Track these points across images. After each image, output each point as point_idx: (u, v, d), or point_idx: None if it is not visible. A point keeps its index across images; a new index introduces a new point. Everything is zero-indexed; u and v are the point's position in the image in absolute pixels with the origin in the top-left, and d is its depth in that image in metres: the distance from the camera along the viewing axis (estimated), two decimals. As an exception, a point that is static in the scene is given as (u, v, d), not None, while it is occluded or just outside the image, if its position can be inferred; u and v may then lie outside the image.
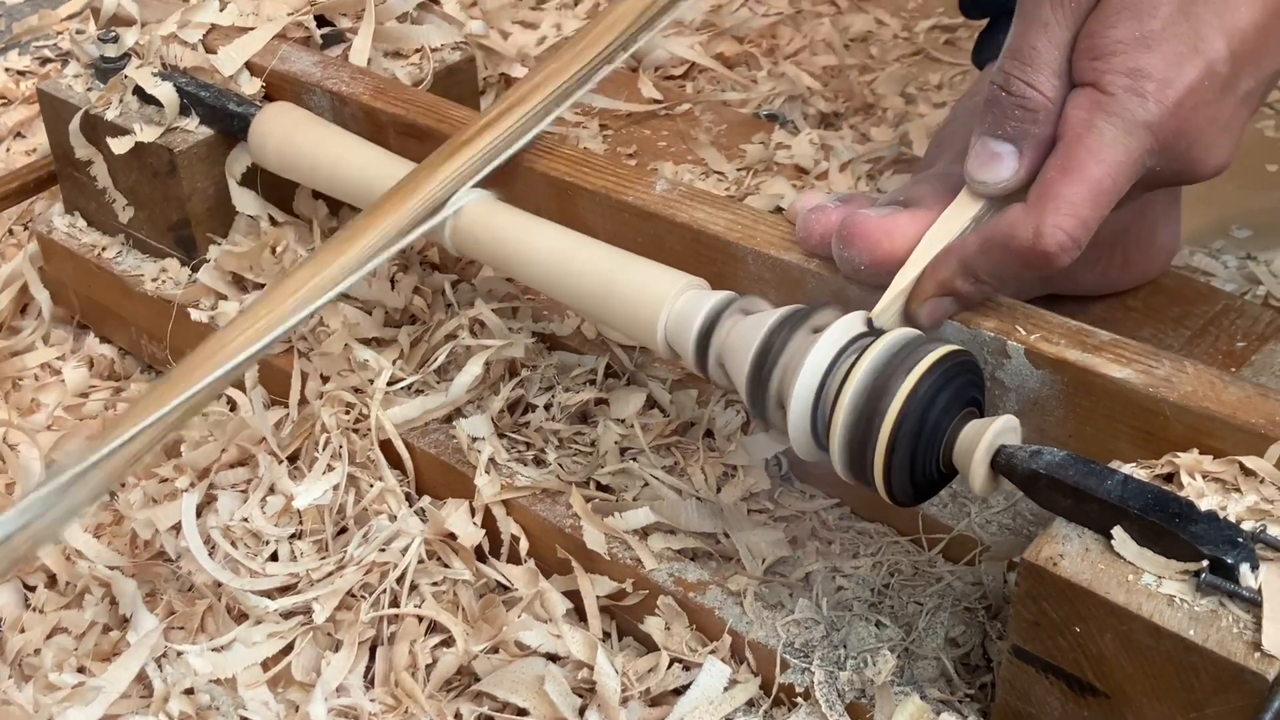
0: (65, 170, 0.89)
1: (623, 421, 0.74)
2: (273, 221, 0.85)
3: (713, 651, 0.63)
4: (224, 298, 0.83)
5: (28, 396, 0.87)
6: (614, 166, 0.75)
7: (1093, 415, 0.61)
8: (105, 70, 0.85)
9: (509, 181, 0.75)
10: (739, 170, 1.00)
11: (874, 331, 0.60)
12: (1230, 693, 0.51)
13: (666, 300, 0.64)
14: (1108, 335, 0.62)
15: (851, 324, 0.60)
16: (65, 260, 0.90)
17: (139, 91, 0.84)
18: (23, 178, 0.93)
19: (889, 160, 1.01)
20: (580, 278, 0.68)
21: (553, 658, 0.65)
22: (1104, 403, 0.60)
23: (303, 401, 0.77)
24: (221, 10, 0.88)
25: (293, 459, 0.75)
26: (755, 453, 0.72)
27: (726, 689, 0.62)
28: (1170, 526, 0.53)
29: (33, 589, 0.73)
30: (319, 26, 0.90)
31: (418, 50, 0.93)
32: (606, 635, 0.67)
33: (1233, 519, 0.54)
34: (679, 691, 0.62)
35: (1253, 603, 0.51)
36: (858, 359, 0.58)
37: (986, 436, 0.56)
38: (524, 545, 0.69)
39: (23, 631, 0.70)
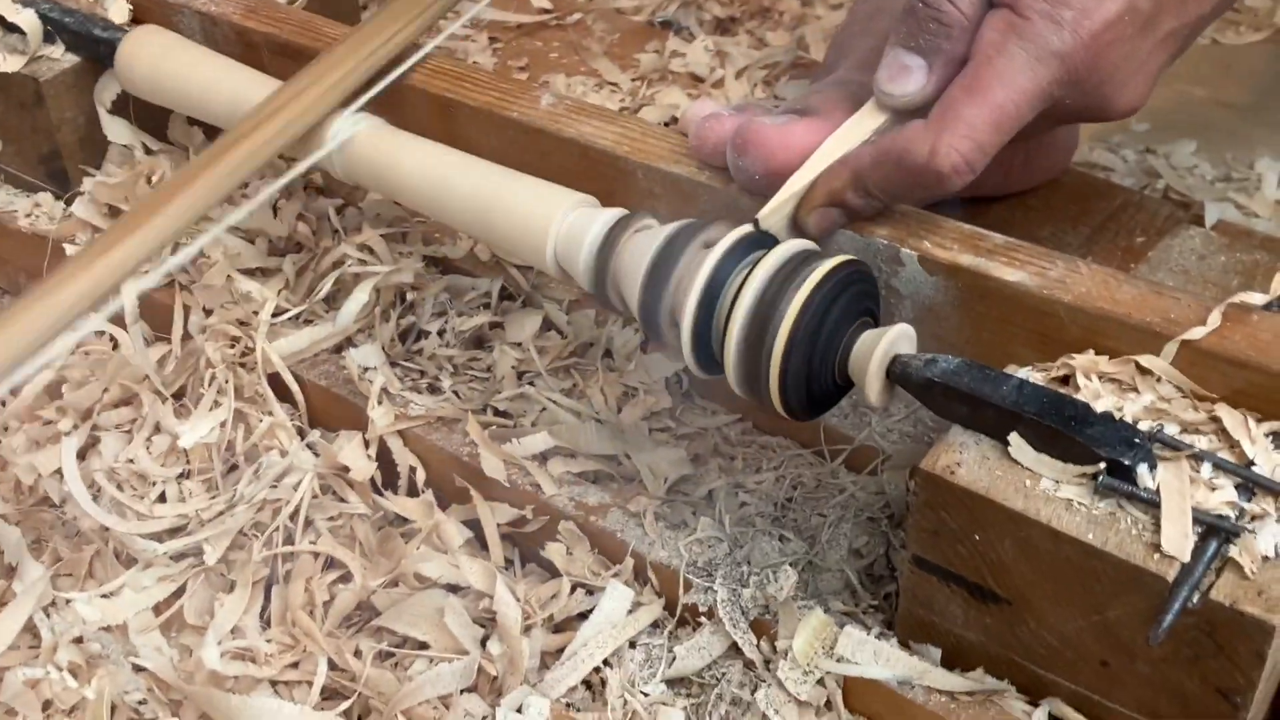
0: (-73, 105, 0.87)
1: (519, 345, 0.75)
2: (147, 150, 0.85)
3: (615, 575, 0.64)
4: (99, 231, 0.81)
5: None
6: (498, 82, 0.74)
7: (988, 320, 0.62)
8: (-38, 0, 0.83)
9: (390, 101, 0.74)
10: (633, 81, 0.99)
11: (766, 244, 0.60)
12: (1131, 595, 0.52)
13: (554, 219, 0.64)
14: (1002, 239, 0.62)
15: (743, 238, 0.60)
16: (-67, 200, 0.88)
17: (0, 20, 0.82)
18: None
19: (786, 65, 1.01)
20: (466, 199, 0.68)
21: (453, 589, 0.65)
22: (998, 307, 0.61)
23: (186, 337, 0.76)
24: (84, -67, 0.86)
25: (178, 396, 0.75)
26: (655, 371, 0.72)
27: (630, 612, 0.63)
28: (1066, 430, 0.54)
29: (-89, 540, 0.72)
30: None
31: (293, -35, 0.91)
32: (509, 563, 0.67)
33: (1129, 420, 0.55)
34: (583, 616, 0.63)
35: (1151, 504, 0.52)
36: (749, 273, 0.58)
37: (881, 346, 0.57)
38: (421, 476, 0.70)
39: (-97, 587, 0.70)
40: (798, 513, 0.66)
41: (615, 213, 0.63)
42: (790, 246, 0.59)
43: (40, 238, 0.81)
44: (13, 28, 0.81)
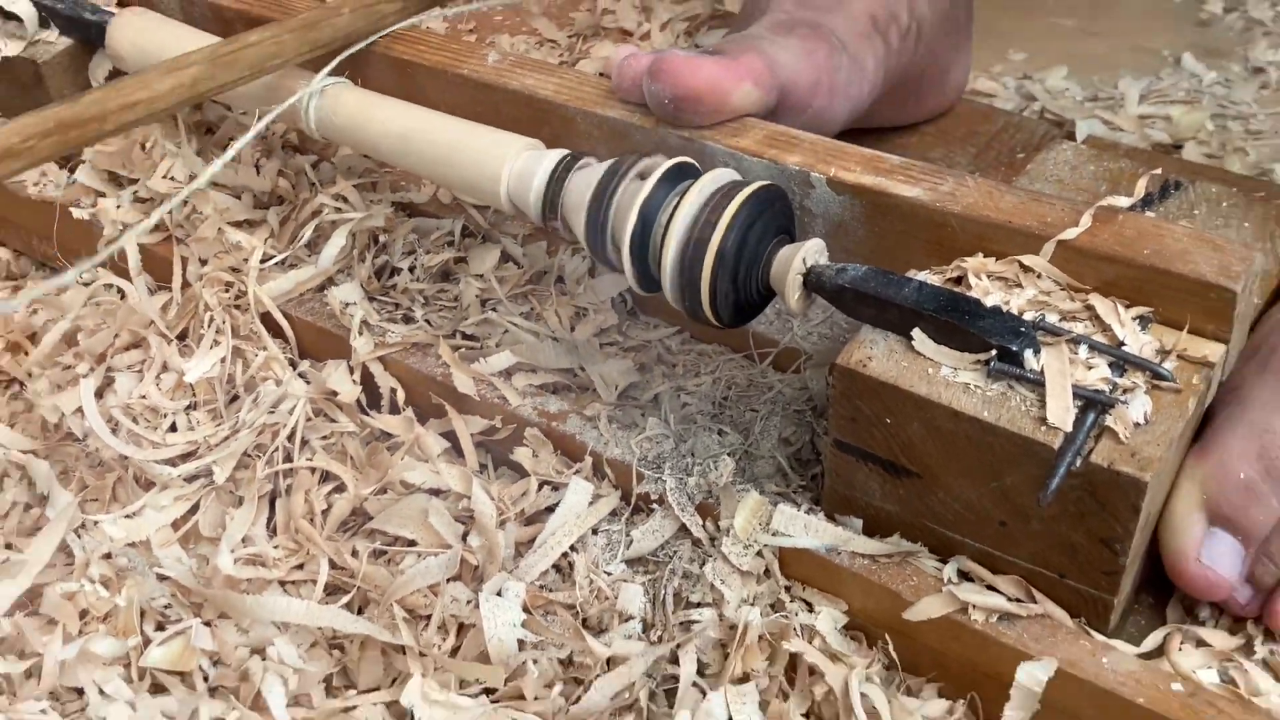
0: (-60, 91, 0.85)
1: (481, 276, 0.73)
2: None
3: (576, 472, 0.63)
4: (102, 194, 0.79)
5: (-66, 298, 0.83)
6: (449, 43, 0.73)
7: (889, 232, 0.60)
8: (-37, -9, 0.80)
9: (355, 64, 0.72)
10: (570, 37, 0.97)
11: (694, 174, 0.59)
12: (1022, 463, 0.51)
13: (506, 162, 0.63)
14: (899, 160, 0.61)
15: (672, 168, 0.58)
16: (-48, 176, 0.85)
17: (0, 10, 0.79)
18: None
19: (705, 17, 0.99)
20: (428, 149, 0.66)
21: (435, 492, 0.64)
22: (898, 220, 0.60)
23: (185, 285, 0.74)
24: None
25: (181, 338, 0.73)
26: (602, 293, 0.71)
27: (591, 503, 0.62)
28: (961, 323, 0.53)
29: (-46, 479, 0.70)
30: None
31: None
32: (483, 467, 0.66)
33: (1015, 311, 0.54)
34: (550, 510, 0.62)
35: (1036, 383, 0.52)
36: (680, 200, 0.57)
37: (797, 259, 0.56)
38: (400, 396, 0.68)
39: (-52, 519, 0.68)
40: (733, 410, 0.65)
41: (559, 153, 0.62)
42: (715, 175, 0.57)
43: (48, 203, 0.79)
44: (11, 15, 0.79)
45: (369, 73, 0.73)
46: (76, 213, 0.78)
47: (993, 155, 0.76)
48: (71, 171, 0.80)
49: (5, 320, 0.77)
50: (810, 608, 0.57)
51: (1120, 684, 0.51)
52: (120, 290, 0.75)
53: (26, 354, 0.75)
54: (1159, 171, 0.72)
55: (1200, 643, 0.54)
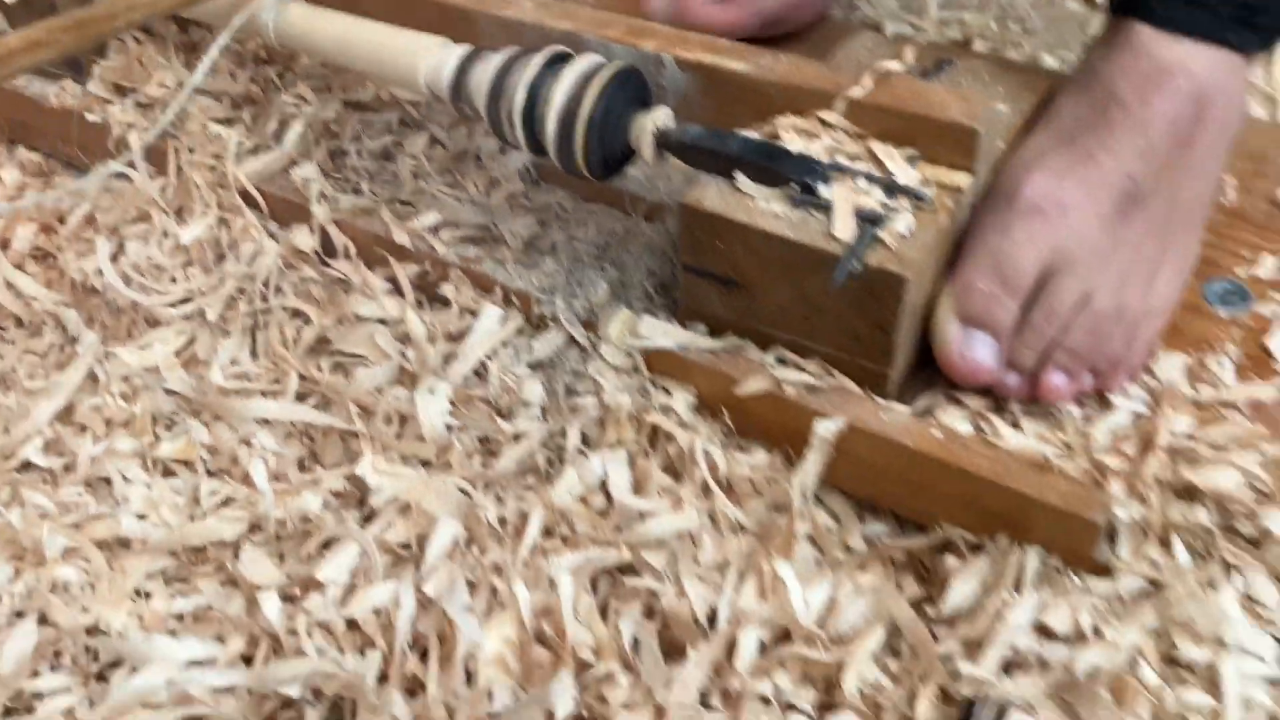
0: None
1: (414, 156, 0.75)
2: (136, 41, 0.83)
3: (490, 301, 0.66)
4: (109, 102, 0.81)
5: (-25, 196, 0.85)
6: None
7: (724, 100, 0.63)
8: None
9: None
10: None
11: (568, 59, 0.61)
12: (818, 269, 0.55)
13: (423, 57, 0.64)
14: (729, 43, 0.63)
15: (551, 55, 0.60)
16: (-10, 92, 0.87)
17: (16, -47, 0.80)
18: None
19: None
20: (360, 51, 0.67)
21: (380, 321, 0.67)
22: (730, 89, 0.62)
23: (179, 170, 0.76)
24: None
25: (178, 212, 0.75)
26: (510, 165, 0.74)
27: (501, 324, 0.65)
28: (773, 165, 0.57)
29: (4, 328, 0.73)
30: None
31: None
32: (419, 302, 0.68)
33: (814, 155, 0.57)
34: (469, 330, 0.65)
35: (828, 209, 0.55)
36: (556, 79, 0.59)
37: (650, 122, 0.59)
38: (352, 250, 0.70)
39: (2, 359, 0.71)
40: (613, 253, 0.67)
41: (464, 48, 0.64)
42: (585, 58, 0.60)
43: (68, 110, 0.81)
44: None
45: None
46: (90, 116, 0.80)
47: (820, 51, 0.78)
48: (83, 85, 0.83)
49: (39, 209, 0.80)
50: (668, 393, 0.61)
51: (894, 433, 0.56)
52: (129, 178, 0.77)
53: (57, 232, 0.78)
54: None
55: (960, 404, 0.60)
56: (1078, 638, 0.51)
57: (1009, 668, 0.51)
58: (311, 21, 0.69)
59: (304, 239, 0.71)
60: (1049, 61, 0.84)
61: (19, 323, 0.73)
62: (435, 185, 0.73)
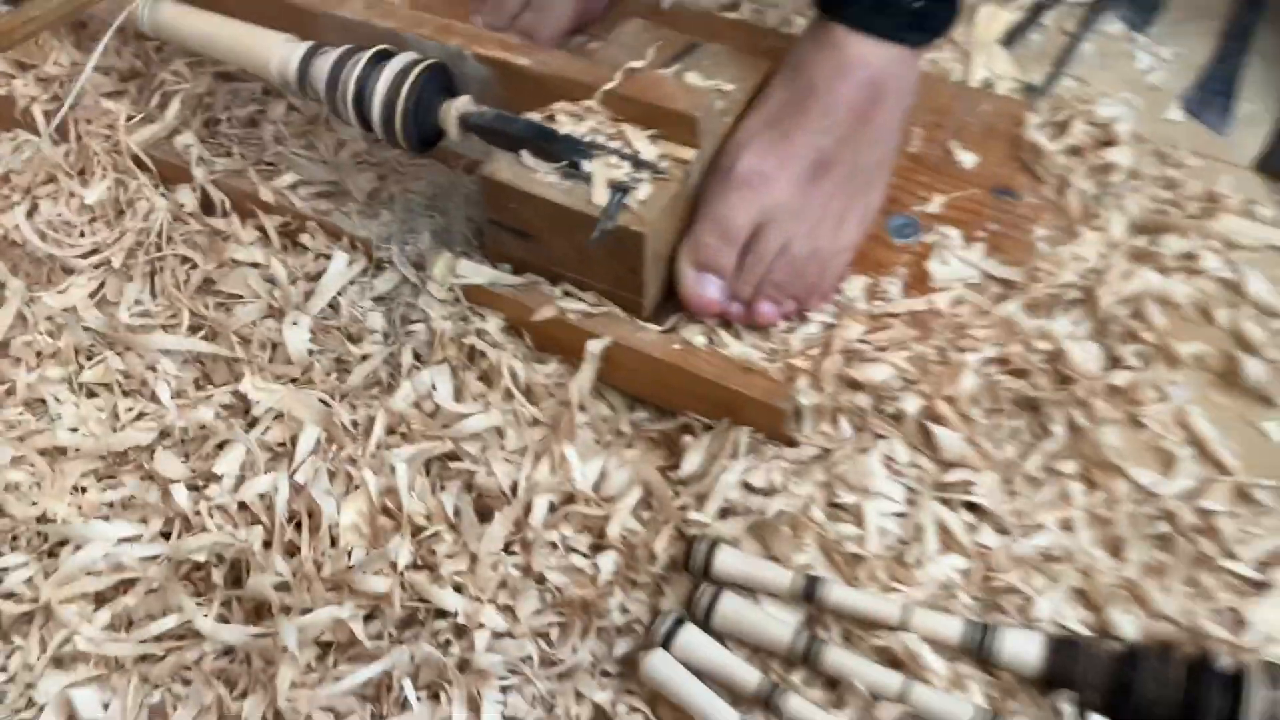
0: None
1: (275, 123, 0.79)
2: None
3: (340, 247, 0.72)
4: (12, 77, 0.83)
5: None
6: None
7: (518, 90, 0.67)
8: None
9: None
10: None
11: (391, 55, 0.66)
12: (583, 226, 0.63)
13: (273, 52, 0.69)
14: (519, 41, 0.69)
15: (376, 52, 0.66)
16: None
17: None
18: None
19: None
20: (221, 45, 0.72)
21: (254, 265, 0.73)
22: (519, 81, 0.67)
23: (79, 138, 0.79)
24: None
25: (81, 174, 0.79)
26: (351, 132, 0.79)
27: (349, 265, 0.71)
28: (549, 144, 0.64)
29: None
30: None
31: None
32: (284, 248, 0.74)
33: (579, 135, 0.64)
34: (323, 271, 0.71)
35: (588, 179, 0.63)
36: (379, 73, 0.65)
37: (453, 108, 0.66)
38: (228, 204, 0.75)
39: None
40: (440, 204, 0.72)
41: (308, 45, 0.68)
42: (402, 56, 0.65)
43: None
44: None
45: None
46: (-3, 91, 0.82)
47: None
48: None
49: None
50: (482, 319, 0.69)
51: (646, 347, 0.66)
52: (37, 146, 0.80)
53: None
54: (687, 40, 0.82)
55: (700, 322, 0.71)
56: (770, 491, 0.63)
57: (724, 513, 0.63)
58: (178, 20, 0.73)
59: (187, 197, 0.76)
60: (798, 24, 0.91)
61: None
62: (292, 147, 0.77)
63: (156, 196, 0.76)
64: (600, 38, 0.84)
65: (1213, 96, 0.86)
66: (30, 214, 0.77)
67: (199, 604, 0.62)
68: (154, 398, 0.69)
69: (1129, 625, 0.58)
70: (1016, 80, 0.87)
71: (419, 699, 0.58)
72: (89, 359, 0.72)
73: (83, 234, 0.76)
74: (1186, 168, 0.79)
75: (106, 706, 0.60)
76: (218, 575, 0.63)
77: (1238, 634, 0.58)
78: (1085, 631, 0.58)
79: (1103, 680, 0.56)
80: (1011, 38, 0.91)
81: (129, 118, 0.79)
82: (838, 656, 0.57)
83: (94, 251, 0.75)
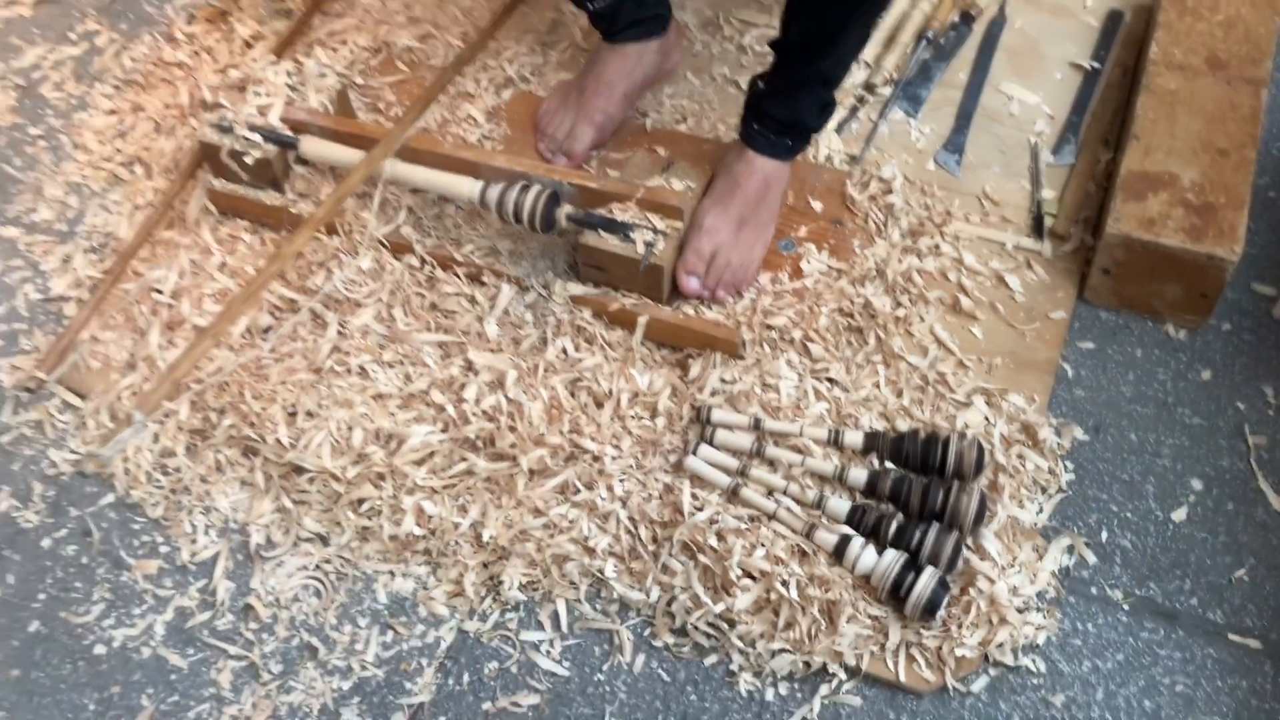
0: None
1: (451, 215, 1.47)
2: None
3: (504, 280, 1.41)
4: None
5: None
6: (440, 140, 1.45)
7: (589, 197, 1.27)
8: None
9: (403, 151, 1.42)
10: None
11: (530, 185, 1.33)
12: (635, 265, 1.28)
13: (465, 188, 1.35)
14: (590, 172, 1.37)
15: (521, 184, 1.29)
16: None
17: None
18: None
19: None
20: (437, 184, 1.34)
21: (459, 293, 1.41)
22: (591, 194, 1.28)
23: (348, 233, 1.47)
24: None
25: (352, 252, 1.47)
26: (492, 219, 1.47)
27: (509, 289, 1.41)
28: (612, 228, 1.28)
29: None
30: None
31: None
32: (470, 282, 1.43)
33: (626, 220, 1.30)
34: None
35: (633, 241, 1.30)
36: (524, 196, 1.30)
37: (561, 212, 1.30)
38: (435, 263, 1.43)
39: None
40: (549, 255, 1.43)
41: (481, 182, 1.34)
42: (535, 186, 1.29)
43: None
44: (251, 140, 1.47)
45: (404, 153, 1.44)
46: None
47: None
48: None
49: None
50: (581, 311, 1.40)
51: (665, 316, 1.34)
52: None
53: None
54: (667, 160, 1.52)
55: (690, 304, 1.41)
56: (733, 381, 1.35)
57: (713, 394, 1.35)
58: (408, 172, 1.40)
59: (413, 261, 1.44)
60: (721, 129, 1.59)
61: None
62: (464, 229, 1.44)
63: (395, 261, 1.42)
64: (612, 152, 1.49)
65: (951, 154, 1.58)
66: (327, 276, 1.44)
67: (468, 457, 1.31)
68: (423, 364, 1.37)
69: (903, 425, 1.31)
70: (845, 153, 1.58)
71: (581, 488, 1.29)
72: (381, 348, 1.39)
73: (361, 285, 1.43)
74: (935, 196, 1.51)
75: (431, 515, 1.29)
76: (477, 443, 1.32)
77: (953, 425, 1.32)
78: (882, 428, 1.31)
79: (889, 448, 1.29)
80: (841, 127, 1.62)
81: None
82: (772, 451, 1.29)
83: (371, 294, 1.41)
